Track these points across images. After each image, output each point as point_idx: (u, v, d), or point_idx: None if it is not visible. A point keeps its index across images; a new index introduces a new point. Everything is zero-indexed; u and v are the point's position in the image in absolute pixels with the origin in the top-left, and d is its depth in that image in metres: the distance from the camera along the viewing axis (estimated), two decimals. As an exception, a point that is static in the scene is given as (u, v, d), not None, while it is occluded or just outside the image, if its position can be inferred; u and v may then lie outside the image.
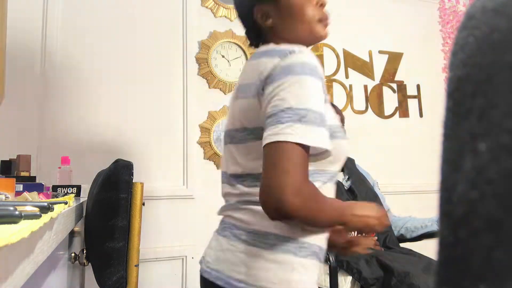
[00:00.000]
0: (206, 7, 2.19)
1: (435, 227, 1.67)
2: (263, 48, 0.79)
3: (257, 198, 0.70)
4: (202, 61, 2.12)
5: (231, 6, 2.22)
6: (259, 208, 0.70)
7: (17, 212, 0.39)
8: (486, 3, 0.22)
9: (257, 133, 0.75)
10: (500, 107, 0.20)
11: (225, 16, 2.21)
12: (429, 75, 2.66)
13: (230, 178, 0.86)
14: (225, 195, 0.90)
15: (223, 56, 2.17)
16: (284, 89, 0.69)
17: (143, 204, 1.22)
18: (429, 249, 1.83)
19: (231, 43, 2.19)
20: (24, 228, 0.33)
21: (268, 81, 0.72)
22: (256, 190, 0.71)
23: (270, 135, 0.67)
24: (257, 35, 0.87)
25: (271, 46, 0.78)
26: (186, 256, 1.99)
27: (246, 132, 0.78)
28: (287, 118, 0.67)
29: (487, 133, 0.20)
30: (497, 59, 0.21)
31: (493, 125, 0.20)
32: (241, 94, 0.80)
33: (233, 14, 2.22)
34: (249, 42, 0.91)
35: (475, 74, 0.22)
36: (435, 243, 0.23)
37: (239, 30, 2.22)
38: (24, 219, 0.37)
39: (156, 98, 2.04)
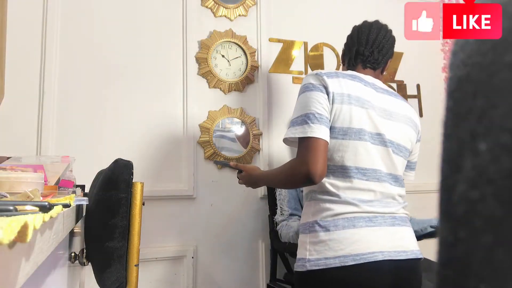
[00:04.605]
0: (206, 7, 2.19)
1: (435, 229, 1.66)
2: None
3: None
4: (202, 61, 2.12)
5: (231, 5, 2.22)
6: None
7: (11, 208, 0.39)
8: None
9: None
10: (500, 107, 0.20)
11: (225, 16, 2.21)
12: (429, 75, 2.66)
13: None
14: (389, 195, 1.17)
15: (223, 56, 2.17)
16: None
17: (143, 204, 1.22)
18: (429, 249, 1.82)
19: (231, 42, 2.19)
20: (26, 224, 0.33)
21: None
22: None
23: None
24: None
25: None
26: (186, 256, 1.99)
27: None
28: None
29: (487, 133, 0.20)
30: (497, 59, 0.21)
31: (493, 125, 0.20)
32: None
33: (233, 14, 2.22)
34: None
35: (475, 74, 0.22)
36: (435, 243, 0.23)
37: (239, 30, 2.22)
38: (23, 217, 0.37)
39: (156, 97, 2.04)
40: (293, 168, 1.08)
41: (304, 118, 1.08)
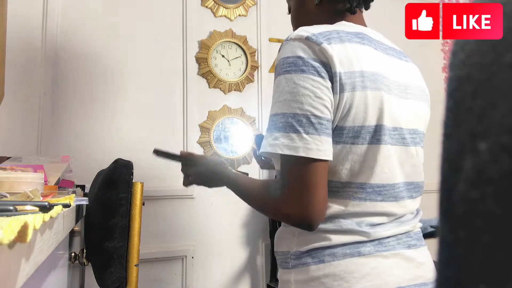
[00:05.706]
0: (206, 7, 2.19)
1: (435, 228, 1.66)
2: None
3: None
4: (202, 61, 2.12)
5: (231, 5, 2.22)
6: None
7: (11, 208, 0.39)
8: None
9: None
10: (500, 107, 0.20)
11: (225, 16, 2.21)
12: (429, 75, 2.65)
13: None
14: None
15: (223, 56, 2.17)
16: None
17: (143, 204, 1.22)
18: (429, 249, 1.83)
19: (231, 42, 2.19)
20: (26, 224, 0.33)
21: None
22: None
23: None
24: None
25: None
26: (186, 256, 1.99)
27: None
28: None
29: (487, 133, 0.20)
30: (497, 59, 0.21)
31: (493, 125, 0.20)
32: None
33: (233, 14, 2.22)
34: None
35: (475, 74, 0.22)
36: (435, 243, 0.23)
37: (239, 30, 2.22)
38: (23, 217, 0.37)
39: (156, 97, 2.04)
40: (277, 207, 0.70)
41: (291, 122, 0.67)
